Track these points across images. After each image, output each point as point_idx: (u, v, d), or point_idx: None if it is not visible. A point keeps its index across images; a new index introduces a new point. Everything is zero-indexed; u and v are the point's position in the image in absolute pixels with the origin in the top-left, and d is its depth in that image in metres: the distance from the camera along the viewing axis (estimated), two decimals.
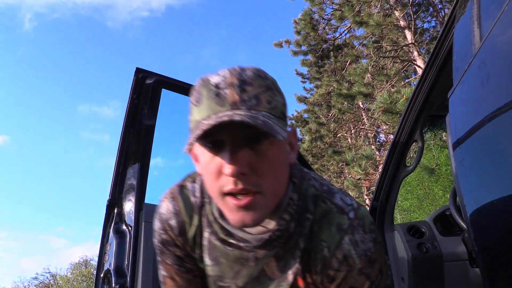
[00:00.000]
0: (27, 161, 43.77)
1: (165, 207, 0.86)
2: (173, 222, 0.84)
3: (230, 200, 0.68)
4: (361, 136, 12.96)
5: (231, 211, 0.69)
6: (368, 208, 2.20)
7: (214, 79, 0.68)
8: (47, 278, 27.66)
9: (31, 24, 45.19)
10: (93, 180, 43.71)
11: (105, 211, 1.77)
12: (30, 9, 46.17)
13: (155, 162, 1.91)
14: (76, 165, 44.32)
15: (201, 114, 0.68)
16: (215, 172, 0.68)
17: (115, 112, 41.27)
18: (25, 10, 47.40)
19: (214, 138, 0.66)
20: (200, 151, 0.71)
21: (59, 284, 26.66)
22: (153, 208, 1.77)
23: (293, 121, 14.25)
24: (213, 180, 0.69)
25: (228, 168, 0.65)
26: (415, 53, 8.74)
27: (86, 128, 44.73)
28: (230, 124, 0.62)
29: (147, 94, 1.86)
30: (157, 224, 0.87)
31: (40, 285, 27.64)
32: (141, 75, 1.87)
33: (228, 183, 0.67)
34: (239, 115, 0.63)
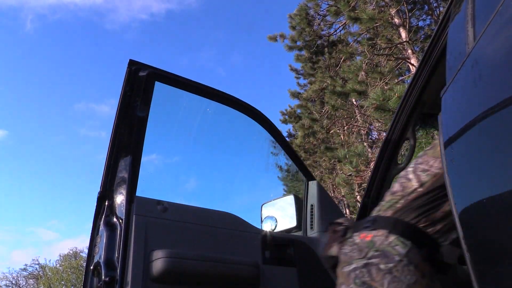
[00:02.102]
0: (24, 156, 43.49)
1: None
2: None
3: None
4: (353, 133, 13.01)
5: None
6: (359, 205, 2.20)
7: None
8: (36, 269, 27.53)
9: (32, 25, 44.91)
10: (89, 175, 43.61)
11: (96, 204, 1.76)
12: (32, 10, 45.88)
13: (147, 157, 1.90)
14: (73, 161, 44.20)
15: None
16: None
17: (112, 110, 41.25)
18: (27, 11, 47.10)
19: None
20: None
21: (48, 276, 26.54)
22: (144, 201, 1.76)
23: (286, 116, 14.25)
24: None
25: None
26: (409, 51, 8.77)
27: (83, 124, 44.59)
28: None
29: (140, 86, 1.84)
30: None
31: (29, 276, 27.52)
32: (134, 67, 1.86)
33: None
34: None
